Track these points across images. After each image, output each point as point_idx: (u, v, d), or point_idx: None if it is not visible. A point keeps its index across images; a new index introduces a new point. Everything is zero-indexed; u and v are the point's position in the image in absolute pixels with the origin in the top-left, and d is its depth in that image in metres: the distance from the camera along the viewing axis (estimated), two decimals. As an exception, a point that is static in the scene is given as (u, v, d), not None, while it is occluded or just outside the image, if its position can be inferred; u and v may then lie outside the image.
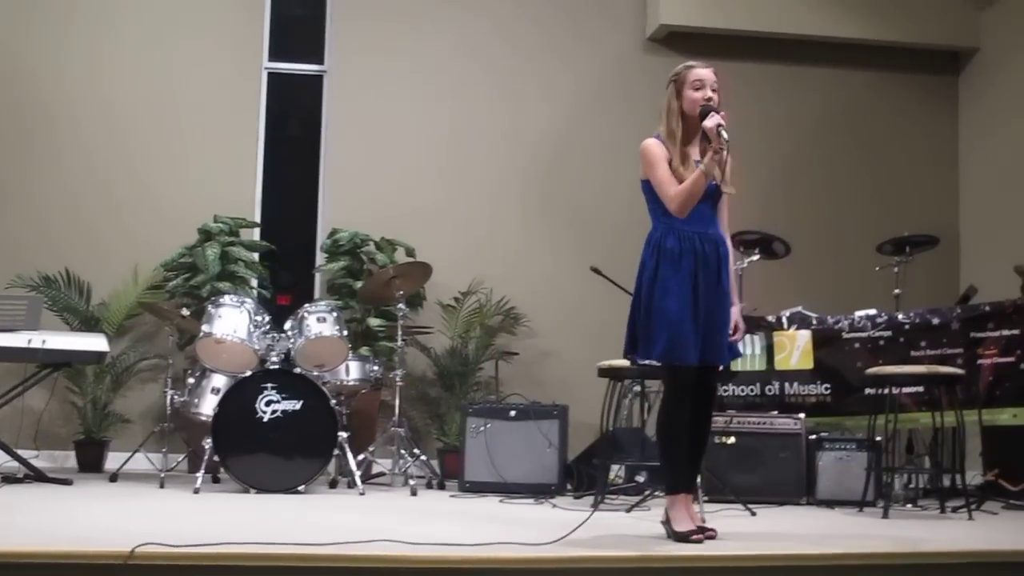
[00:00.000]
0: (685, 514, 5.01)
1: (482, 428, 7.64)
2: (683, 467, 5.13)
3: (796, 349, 7.90)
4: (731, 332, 5.13)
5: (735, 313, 5.16)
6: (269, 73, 9.72)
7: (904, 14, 10.19)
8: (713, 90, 5.06)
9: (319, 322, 7.56)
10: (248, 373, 7.23)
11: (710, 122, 4.94)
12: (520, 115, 9.93)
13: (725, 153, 4.89)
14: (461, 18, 9.95)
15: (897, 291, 8.17)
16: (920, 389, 7.38)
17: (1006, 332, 7.47)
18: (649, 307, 5.01)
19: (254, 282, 9.14)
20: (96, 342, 7.65)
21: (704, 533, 4.96)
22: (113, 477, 7.81)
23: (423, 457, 8.11)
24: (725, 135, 4.88)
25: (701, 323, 4.97)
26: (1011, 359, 7.42)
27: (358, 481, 7.28)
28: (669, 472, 5.14)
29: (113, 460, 8.40)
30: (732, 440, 7.37)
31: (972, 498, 6.73)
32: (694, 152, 5.10)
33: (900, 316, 7.79)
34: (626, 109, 9.74)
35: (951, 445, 7.04)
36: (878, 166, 10.42)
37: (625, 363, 6.81)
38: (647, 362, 5.20)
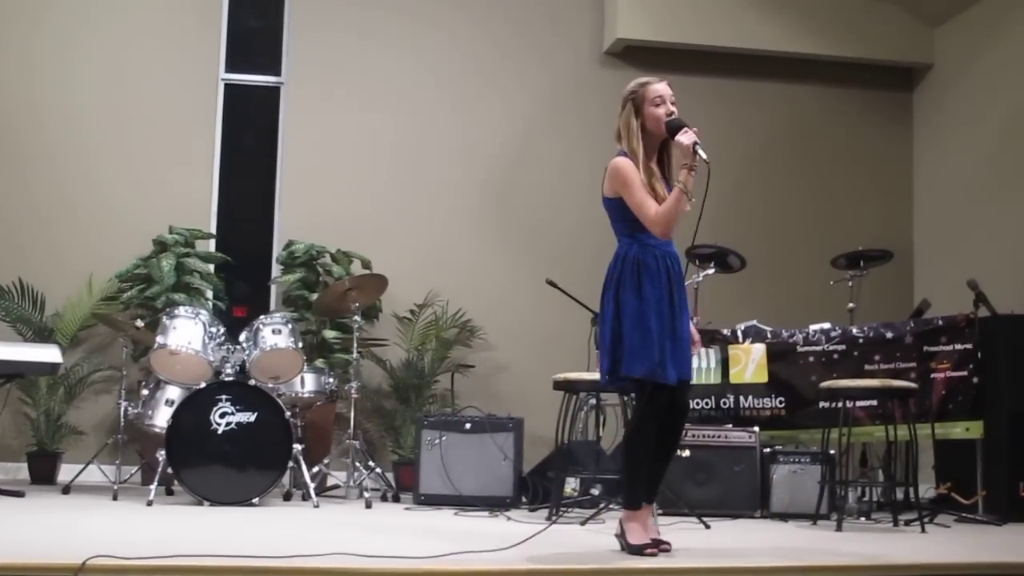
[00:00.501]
0: (640, 527, 5.02)
1: (437, 441, 7.63)
2: (644, 483, 5.14)
3: (751, 363, 7.93)
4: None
5: (691, 326, 5.19)
6: (226, 84, 9.69)
7: (859, 31, 10.28)
8: (672, 103, 5.08)
9: (274, 334, 7.54)
10: (203, 385, 7.19)
11: (686, 139, 4.93)
12: (476, 128, 9.95)
13: (695, 170, 4.91)
14: (419, 32, 9.95)
15: (851, 305, 8.22)
16: (874, 403, 7.43)
17: (959, 346, 7.53)
18: (637, 325, 4.97)
19: (209, 293, 9.09)
20: (49, 353, 7.60)
21: (659, 546, 4.97)
22: (66, 489, 7.74)
23: (378, 469, 8.10)
24: (703, 154, 4.89)
25: (679, 339, 5.00)
26: (964, 373, 7.49)
27: (312, 494, 7.25)
28: (630, 487, 5.13)
29: (66, 472, 8.32)
30: (687, 453, 7.39)
31: (925, 511, 6.77)
32: (656, 167, 5.11)
33: (854, 330, 7.84)
34: (582, 123, 9.78)
35: (904, 459, 7.08)
36: (833, 181, 10.50)
37: (580, 376, 6.84)
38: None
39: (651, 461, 5.11)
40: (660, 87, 5.10)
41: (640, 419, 5.12)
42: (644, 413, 5.09)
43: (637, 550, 4.89)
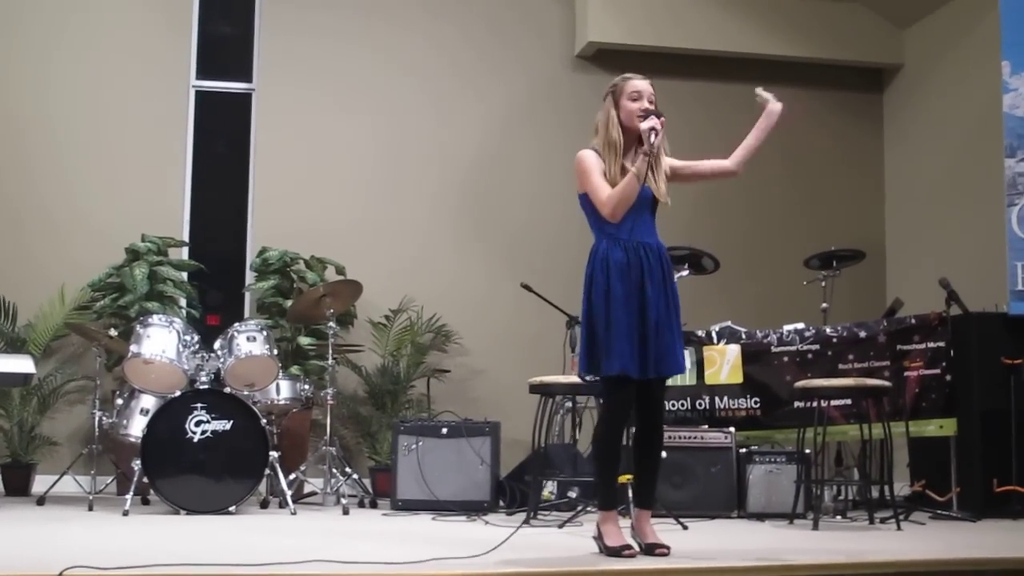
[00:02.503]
0: (617, 529, 5.02)
1: (414, 446, 7.62)
2: (616, 483, 5.15)
3: (726, 364, 7.96)
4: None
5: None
6: (197, 91, 9.66)
7: (829, 32, 10.34)
8: (650, 101, 5.08)
9: (249, 341, 7.52)
10: (177, 393, 7.16)
11: (645, 124, 4.95)
12: (450, 132, 9.94)
13: (651, 155, 4.91)
14: (391, 35, 9.94)
15: (825, 305, 8.26)
16: (848, 402, 7.47)
17: (931, 344, 7.58)
18: (606, 322, 4.96)
19: (183, 302, 9.06)
20: (22, 364, 7.53)
21: (655, 550, 4.96)
22: (40, 500, 7.69)
23: (355, 476, 8.09)
24: (654, 139, 4.90)
25: (652, 335, 4.96)
26: (936, 371, 7.54)
27: (289, 501, 7.24)
28: (603, 488, 5.13)
29: (40, 483, 8.27)
30: (663, 455, 7.37)
31: (900, 509, 6.80)
32: (628, 164, 5.07)
33: (828, 330, 7.88)
34: (555, 126, 9.79)
35: (879, 457, 7.12)
36: (805, 182, 10.54)
37: (556, 379, 6.85)
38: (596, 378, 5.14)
39: (619, 462, 5.10)
40: (640, 83, 5.12)
41: (605, 417, 5.15)
42: (609, 410, 5.11)
43: (614, 552, 4.89)
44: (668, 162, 5.21)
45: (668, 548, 4.97)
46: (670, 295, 5.07)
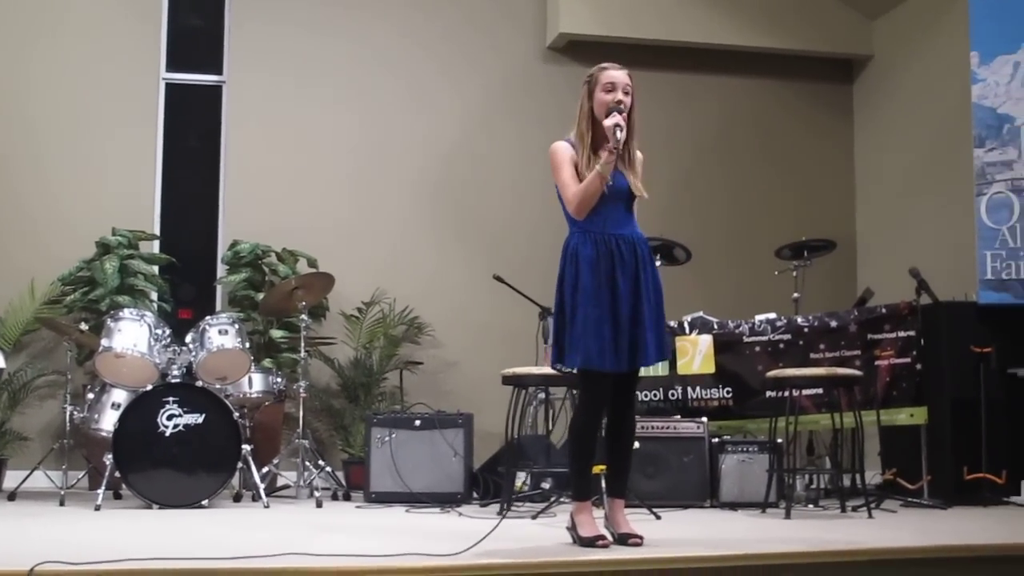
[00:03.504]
0: (590, 520, 5.03)
1: (387, 438, 7.62)
2: (591, 474, 5.16)
3: (698, 354, 7.98)
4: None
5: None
6: (167, 84, 9.62)
7: (799, 23, 10.37)
8: (625, 92, 5.06)
9: (220, 335, 7.50)
10: (149, 387, 7.13)
11: (609, 121, 4.93)
12: (424, 123, 9.92)
13: (616, 152, 4.90)
14: (363, 25, 9.92)
15: (796, 295, 8.30)
16: (819, 391, 7.49)
17: (902, 333, 7.62)
18: (573, 315, 4.97)
19: (154, 295, 9.03)
20: (-8, 359, 7.53)
21: (629, 540, 4.97)
22: (11, 496, 7.66)
23: (328, 468, 8.08)
24: (620, 135, 4.89)
25: (624, 328, 4.96)
26: (907, 360, 7.58)
27: (263, 494, 7.24)
28: (577, 479, 5.14)
29: (11, 479, 8.24)
30: (636, 445, 7.39)
31: (871, 497, 6.83)
32: (603, 156, 5.06)
33: (799, 320, 7.91)
34: (527, 118, 9.80)
35: (850, 446, 7.14)
36: (776, 172, 10.58)
37: (529, 371, 6.84)
38: (572, 370, 5.14)
39: (594, 454, 5.11)
40: (615, 74, 5.10)
41: (580, 410, 5.15)
42: (584, 403, 5.11)
43: (588, 542, 4.91)
44: (639, 162, 5.19)
45: (641, 538, 4.99)
46: (646, 286, 5.04)
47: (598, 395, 5.05)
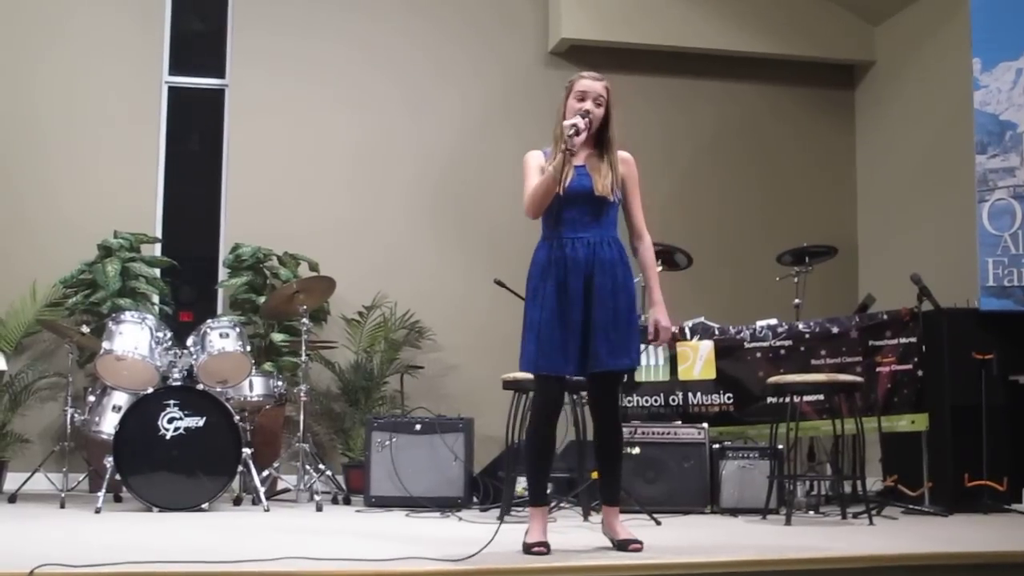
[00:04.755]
0: (537, 526, 4.98)
1: (387, 442, 7.62)
2: (544, 479, 5.14)
3: (699, 359, 7.97)
4: (651, 336, 5.12)
5: (655, 315, 5.13)
6: (169, 87, 9.63)
7: (801, 29, 10.38)
8: (598, 104, 5.06)
9: (222, 338, 7.50)
10: (150, 390, 7.13)
11: (566, 122, 4.96)
12: (425, 127, 9.93)
13: (567, 152, 4.88)
14: (366, 30, 9.92)
15: (797, 301, 8.29)
16: (820, 397, 7.50)
17: (903, 340, 7.61)
18: (526, 321, 5.04)
19: (155, 298, 9.03)
20: (-7, 361, 7.54)
21: (629, 546, 4.96)
22: (12, 498, 7.65)
23: (328, 472, 8.07)
24: (576, 138, 4.87)
25: (575, 331, 4.93)
26: (908, 366, 7.57)
27: (263, 498, 7.23)
28: (529, 483, 5.16)
29: (12, 481, 8.24)
30: (636, 450, 7.42)
31: (872, 504, 6.83)
32: (579, 159, 5.06)
33: (800, 325, 7.91)
34: (529, 123, 9.74)
35: (851, 452, 7.14)
36: (778, 178, 10.58)
37: (530, 375, 6.84)
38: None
39: (548, 459, 5.11)
40: (588, 83, 5.11)
41: (531, 414, 5.20)
42: (534, 406, 5.16)
43: (526, 548, 4.88)
44: (624, 164, 5.18)
45: (641, 544, 4.99)
46: (602, 289, 4.98)
47: (544, 400, 5.07)
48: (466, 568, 4.37)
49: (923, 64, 9.97)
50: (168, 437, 6.99)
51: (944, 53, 9.63)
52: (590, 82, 5.12)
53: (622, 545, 5.00)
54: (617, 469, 5.23)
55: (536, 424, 5.12)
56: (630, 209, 5.22)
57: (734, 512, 7.29)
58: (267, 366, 8.54)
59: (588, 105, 5.04)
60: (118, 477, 6.99)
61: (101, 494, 6.96)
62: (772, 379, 7.12)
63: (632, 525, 5.37)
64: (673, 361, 8.00)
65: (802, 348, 7.82)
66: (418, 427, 7.68)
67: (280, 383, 8.08)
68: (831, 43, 10.55)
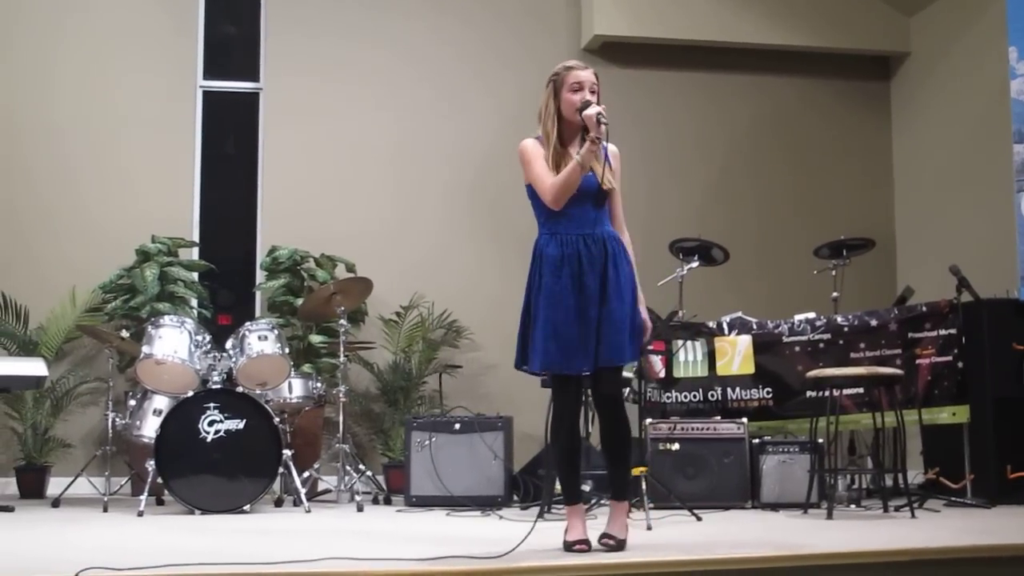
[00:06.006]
0: (575, 524, 4.95)
1: (427, 442, 7.63)
2: (576, 479, 5.10)
3: (737, 354, 7.95)
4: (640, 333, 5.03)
5: (641, 312, 5.05)
6: (204, 92, 9.67)
7: (835, 21, 10.32)
8: (592, 91, 5.01)
9: (260, 340, 7.54)
10: (190, 393, 7.17)
11: (591, 111, 4.87)
12: (460, 126, 9.92)
13: (599, 141, 4.83)
14: (398, 30, 9.93)
15: (835, 294, 8.25)
16: (860, 391, 7.47)
17: (943, 332, 7.57)
18: (535, 318, 4.94)
19: (194, 302, 9.07)
20: (35, 367, 7.59)
21: (602, 539, 4.90)
22: (55, 502, 7.72)
23: (368, 473, 8.10)
24: (604, 123, 4.81)
25: (593, 328, 4.88)
26: (948, 358, 7.53)
27: (304, 499, 7.26)
28: (561, 484, 5.12)
29: (55, 485, 8.30)
30: (676, 446, 7.41)
31: (914, 497, 6.80)
32: (574, 153, 4.98)
33: (839, 319, 7.87)
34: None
35: (892, 445, 7.12)
36: (814, 171, 10.53)
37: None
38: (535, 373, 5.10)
39: (575, 456, 5.08)
40: (582, 73, 5.07)
41: (552, 414, 5.12)
42: (553, 407, 5.09)
43: (567, 546, 4.86)
44: (614, 158, 5.13)
45: (615, 539, 4.90)
46: (615, 284, 4.94)
47: (563, 400, 5.03)
48: (503, 566, 4.37)
49: (959, 54, 9.90)
50: (209, 440, 7.03)
51: (979, 43, 9.57)
52: (583, 72, 5.07)
53: (601, 536, 4.94)
54: (623, 463, 5.13)
55: (557, 424, 5.08)
56: (613, 204, 5.15)
57: (775, 507, 7.27)
58: (306, 368, 8.57)
59: (587, 95, 4.98)
60: (160, 480, 7.04)
61: (143, 497, 7.01)
62: (811, 373, 7.09)
63: (673, 521, 5.36)
64: (711, 356, 7.98)
65: (841, 341, 7.79)
66: (457, 426, 7.69)
67: (319, 384, 8.10)
68: (865, 35, 10.48)
